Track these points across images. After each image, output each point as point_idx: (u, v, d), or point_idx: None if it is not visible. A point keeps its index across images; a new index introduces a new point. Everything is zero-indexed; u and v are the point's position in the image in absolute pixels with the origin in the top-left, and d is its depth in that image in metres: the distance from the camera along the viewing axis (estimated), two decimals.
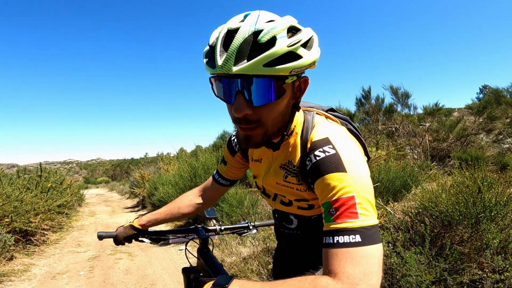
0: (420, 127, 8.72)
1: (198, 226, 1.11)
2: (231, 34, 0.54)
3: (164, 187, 5.64)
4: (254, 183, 0.91)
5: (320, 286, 0.49)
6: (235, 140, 0.92)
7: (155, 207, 6.57)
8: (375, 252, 0.51)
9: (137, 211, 7.85)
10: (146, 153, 18.87)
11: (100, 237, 1.05)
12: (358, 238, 0.51)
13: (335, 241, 0.52)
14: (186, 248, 1.15)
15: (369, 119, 8.91)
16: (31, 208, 4.06)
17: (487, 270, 1.73)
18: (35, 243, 4.02)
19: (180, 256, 3.65)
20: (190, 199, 1.05)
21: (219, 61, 0.53)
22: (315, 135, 0.65)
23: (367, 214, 0.53)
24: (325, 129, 0.66)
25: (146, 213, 1.09)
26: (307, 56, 0.55)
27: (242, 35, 0.52)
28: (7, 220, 3.63)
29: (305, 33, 0.56)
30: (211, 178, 1.03)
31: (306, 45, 0.56)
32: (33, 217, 4.04)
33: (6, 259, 3.36)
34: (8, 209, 3.71)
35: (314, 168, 0.60)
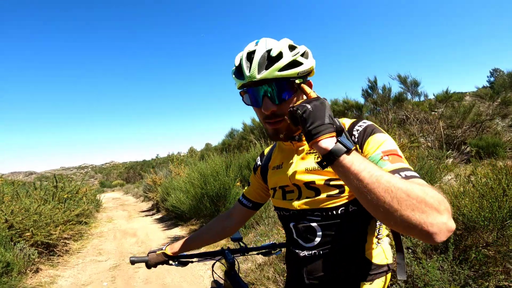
0: (432, 114, 8.45)
1: (225, 249, 1.12)
2: (250, 54, 0.74)
3: (176, 192, 5.72)
4: (272, 192, 0.91)
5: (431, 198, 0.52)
6: (258, 160, 1.06)
7: (169, 211, 6.68)
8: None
9: (152, 214, 8.02)
10: (157, 155, 19.17)
11: (133, 262, 1.11)
12: (412, 173, 0.63)
13: (404, 176, 0.61)
14: (213, 270, 1.21)
15: (380, 109, 8.69)
16: (50, 221, 4.16)
17: None
18: (58, 253, 4.15)
19: (198, 264, 3.70)
20: (219, 224, 1.12)
21: (247, 72, 0.72)
22: (344, 121, 0.81)
23: (406, 160, 0.67)
24: (347, 119, 0.84)
25: (177, 239, 1.12)
26: (306, 63, 0.74)
27: (259, 53, 0.72)
28: (29, 234, 3.74)
29: (301, 48, 0.75)
30: (237, 202, 1.11)
31: (303, 55, 0.75)
32: (53, 229, 4.14)
33: (33, 271, 3.48)
34: (28, 223, 3.80)
35: (363, 133, 0.75)
